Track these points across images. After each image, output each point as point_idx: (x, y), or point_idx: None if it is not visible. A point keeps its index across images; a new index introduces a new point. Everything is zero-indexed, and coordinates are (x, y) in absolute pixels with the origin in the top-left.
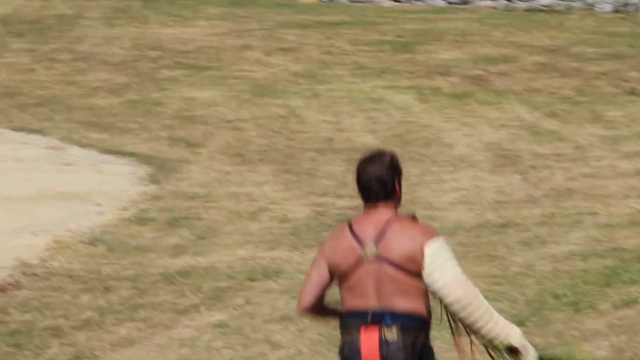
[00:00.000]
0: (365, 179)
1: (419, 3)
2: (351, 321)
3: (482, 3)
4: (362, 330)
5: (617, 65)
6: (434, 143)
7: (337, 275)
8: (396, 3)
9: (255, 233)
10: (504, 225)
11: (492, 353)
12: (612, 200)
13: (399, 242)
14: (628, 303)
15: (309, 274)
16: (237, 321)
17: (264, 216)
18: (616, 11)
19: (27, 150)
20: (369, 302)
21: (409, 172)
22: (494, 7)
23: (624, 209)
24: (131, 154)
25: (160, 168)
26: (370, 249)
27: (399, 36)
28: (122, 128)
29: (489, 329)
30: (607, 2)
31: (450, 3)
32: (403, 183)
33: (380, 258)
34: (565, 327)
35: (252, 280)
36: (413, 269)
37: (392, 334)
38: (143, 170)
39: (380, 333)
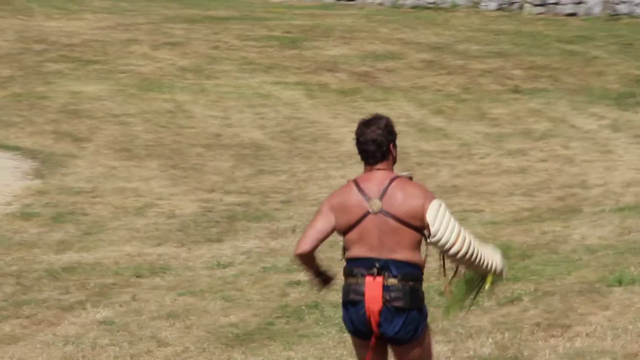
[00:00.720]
0: (363, 141)
1: None
2: (357, 267)
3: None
4: (367, 275)
5: (502, 63)
6: (321, 139)
7: (343, 226)
8: None
9: (141, 229)
10: None
11: (475, 287)
12: (497, 197)
13: (401, 199)
14: (512, 300)
15: (313, 221)
16: (123, 318)
17: (150, 212)
18: (501, 9)
19: None
20: (374, 251)
21: (297, 168)
22: (381, 4)
23: (508, 206)
24: (15, 148)
25: (45, 162)
26: (376, 203)
27: (287, 32)
28: (5, 122)
29: (482, 264)
30: (492, 0)
31: None
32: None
33: (384, 212)
34: (450, 325)
35: (138, 276)
36: (414, 224)
37: (394, 280)
38: (27, 164)
39: (383, 279)
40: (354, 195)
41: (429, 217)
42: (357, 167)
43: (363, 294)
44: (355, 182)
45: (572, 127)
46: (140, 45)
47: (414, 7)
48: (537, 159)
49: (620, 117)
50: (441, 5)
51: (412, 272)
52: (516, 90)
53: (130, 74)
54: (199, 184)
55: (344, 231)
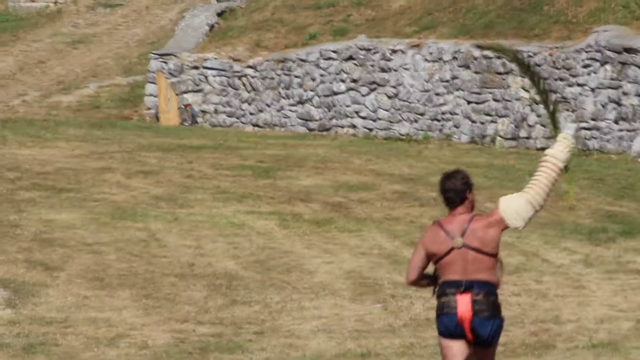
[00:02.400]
0: (446, 191)
1: (280, 129)
2: (448, 289)
3: (342, 130)
4: (457, 294)
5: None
6: (295, 269)
7: (434, 259)
8: (257, 128)
9: (113, 359)
10: (365, 355)
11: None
12: None
13: (478, 234)
14: None
15: (413, 258)
16: None
17: (122, 342)
18: (473, 142)
19: None
20: (460, 275)
21: (271, 299)
22: (354, 135)
23: None
24: None
25: (16, 292)
26: (458, 241)
27: (260, 161)
28: None
29: (551, 186)
30: (463, 133)
31: (310, 130)
32: None
33: (466, 246)
34: None
35: None
36: (487, 251)
37: (479, 296)
38: None
39: (471, 296)
40: (441, 235)
41: (507, 220)
42: (330, 299)
43: (456, 309)
44: (440, 224)
45: (545, 261)
46: (114, 173)
47: (387, 138)
48: (511, 292)
49: (592, 252)
50: (413, 137)
51: (491, 290)
52: None
53: (103, 203)
54: (171, 314)
55: (434, 262)
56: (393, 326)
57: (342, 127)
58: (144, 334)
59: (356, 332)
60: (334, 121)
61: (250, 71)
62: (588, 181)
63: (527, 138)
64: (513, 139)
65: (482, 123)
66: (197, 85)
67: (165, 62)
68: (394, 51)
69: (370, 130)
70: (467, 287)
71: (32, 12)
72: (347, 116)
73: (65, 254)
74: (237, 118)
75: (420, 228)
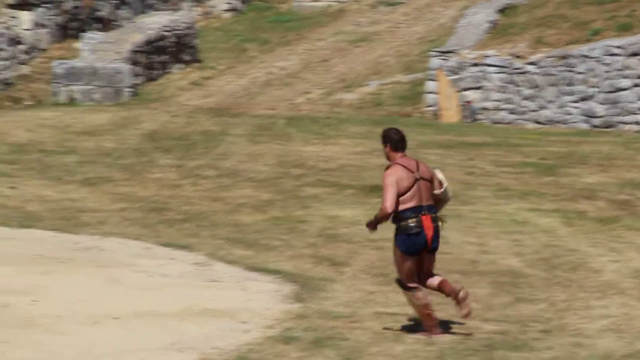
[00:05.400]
0: (402, 139)
1: (562, 126)
2: (414, 212)
3: (627, 126)
4: (422, 216)
5: None
6: (580, 268)
7: (400, 190)
8: (539, 125)
9: (400, 355)
10: None
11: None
12: None
13: (426, 169)
14: None
15: (388, 192)
16: None
17: (409, 338)
18: None
19: (174, 266)
20: (422, 201)
21: (557, 297)
22: (639, 131)
23: None
24: (275, 272)
25: (304, 286)
26: (417, 174)
27: (543, 158)
28: (265, 245)
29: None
30: None
31: (593, 126)
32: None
33: (422, 177)
34: None
35: None
36: (431, 182)
37: (434, 215)
38: (287, 288)
39: (430, 216)
40: (405, 172)
41: (441, 178)
42: (618, 298)
43: (423, 226)
44: (402, 165)
45: None
46: None
47: None
48: None
49: None
50: None
51: (435, 210)
52: None
53: None
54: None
55: (400, 192)
56: None
57: (627, 123)
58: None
59: None
60: (618, 118)
61: (531, 68)
62: None
63: None
64: None
65: None
66: (478, 82)
67: (445, 60)
68: None
69: None
70: (426, 209)
71: (315, 11)
72: (632, 113)
73: (351, 249)
74: (518, 115)
75: None
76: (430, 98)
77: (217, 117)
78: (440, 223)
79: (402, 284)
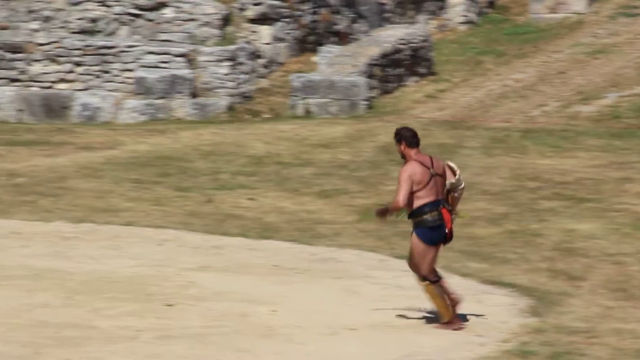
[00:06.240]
0: (415, 135)
1: None
2: (434, 206)
3: None
4: (441, 209)
5: None
6: None
7: (417, 185)
8: None
9: None
10: None
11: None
12: None
13: (439, 165)
14: None
15: (401, 187)
16: None
17: None
18: None
19: (408, 278)
20: (438, 195)
21: None
22: None
23: None
24: (511, 285)
25: (540, 300)
26: (433, 170)
27: None
28: (501, 259)
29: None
30: None
31: None
32: None
33: (437, 174)
34: None
35: None
36: (444, 177)
37: (449, 209)
38: (523, 302)
39: (447, 209)
40: (421, 167)
41: (455, 170)
42: None
43: (444, 219)
44: (419, 162)
45: None
46: (635, 184)
47: None
48: None
49: None
50: None
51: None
52: None
53: (625, 213)
54: None
55: (417, 188)
56: None
57: None
58: None
59: None
60: None
61: None
62: None
63: None
64: None
65: None
66: None
67: None
68: None
69: None
70: (443, 203)
71: (552, 23)
72: None
73: (587, 264)
74: None
75: None
76: None
77: (451, 129)
78: (454, 216)
79: (427, 279)
